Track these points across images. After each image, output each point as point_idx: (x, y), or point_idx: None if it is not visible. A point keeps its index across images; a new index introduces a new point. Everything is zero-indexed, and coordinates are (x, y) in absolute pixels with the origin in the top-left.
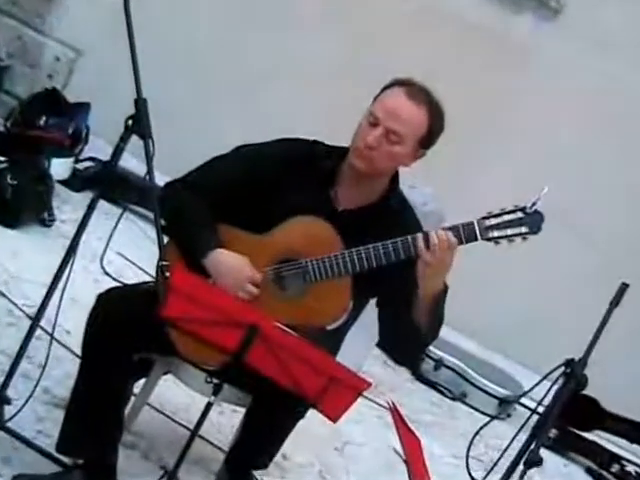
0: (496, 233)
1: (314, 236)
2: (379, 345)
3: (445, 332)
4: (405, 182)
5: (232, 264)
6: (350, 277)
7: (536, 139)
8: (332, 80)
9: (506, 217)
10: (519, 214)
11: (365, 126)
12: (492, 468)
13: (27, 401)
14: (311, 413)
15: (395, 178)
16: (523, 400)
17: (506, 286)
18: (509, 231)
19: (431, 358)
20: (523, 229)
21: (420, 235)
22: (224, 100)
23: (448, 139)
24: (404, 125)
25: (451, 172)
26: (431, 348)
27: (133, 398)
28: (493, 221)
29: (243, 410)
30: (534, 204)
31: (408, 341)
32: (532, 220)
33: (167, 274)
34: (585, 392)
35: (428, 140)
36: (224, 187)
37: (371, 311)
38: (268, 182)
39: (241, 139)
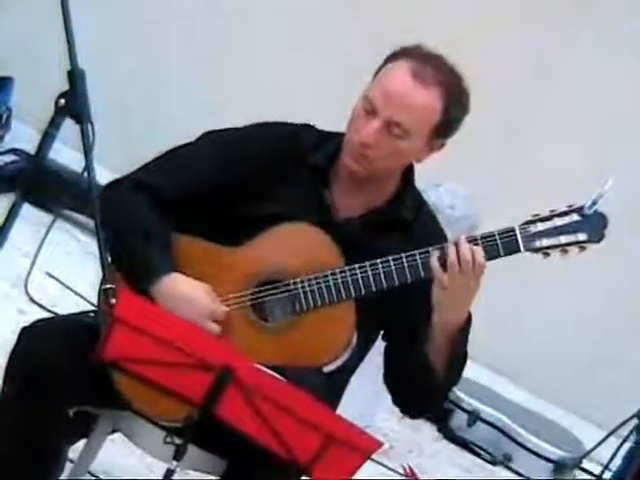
0: (545, 242)
1: (305, 248)
2: (385, 381)
3: (482, 375)
4: (427, 178)
5: (184, 294)
6: (353, 302)
7: (598, 119)
8: (332, 46)
9: (558, 221)
10: (575, 217)
11: (360, 114)
12: None
13: None
14: None
15: (408, 173)
16: (585, 463)
17: (559, 315)
18: (562, 239)
19: (464, 410)
20: (580, 236)
21: (436, 251)
22: (186, 76)
23: (482, 120)
24: (409, 114)
25: (487, 163)
26: (464, 397)
27: (70, 465)
28: (540, 226)
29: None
30: (594, 203)
31: (419, 387)
32: (592, 224)
33: (113, 301)
34: None
35: (445, 128)
36: (189, 187)
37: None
38: (247, 179)
39: (206, 126)
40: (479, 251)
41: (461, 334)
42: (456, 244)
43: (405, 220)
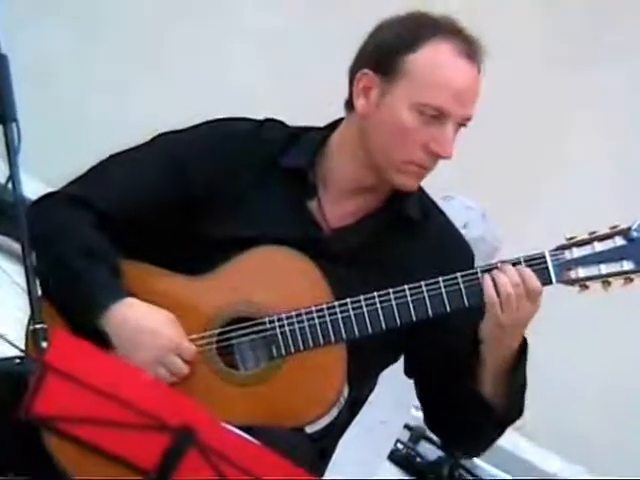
0: (582, 272)
1: (284, 278)
2: (428, 426)
3: (514, 442)
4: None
5: (144, 324)
6: (344, 346)
7: (625, 121)
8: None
9: (598, 246)
10: (619, 240)
11: (414, 126)
12: None
13: None
14: None
15: None
16: None
17: (604, 364)
18: (603, 268)
19: None
20: (626, 265)
21: (487, 276)
22: (133, 64)
23: (500, 128)
24: (476, 101)
25: (506, 176)
26: (489, 469)
27: None
28: (577, 252)
29: None
30: None
31: (475, 427)
32: None
33: (44, 344)
34: None
35: None
36: (135, 201)
37: (384, 393)
38: (206, 192)
39: (159, 126)
40: (530, 274)
41: (518, 361)
42: (506, 268)
43: (409, 218)
